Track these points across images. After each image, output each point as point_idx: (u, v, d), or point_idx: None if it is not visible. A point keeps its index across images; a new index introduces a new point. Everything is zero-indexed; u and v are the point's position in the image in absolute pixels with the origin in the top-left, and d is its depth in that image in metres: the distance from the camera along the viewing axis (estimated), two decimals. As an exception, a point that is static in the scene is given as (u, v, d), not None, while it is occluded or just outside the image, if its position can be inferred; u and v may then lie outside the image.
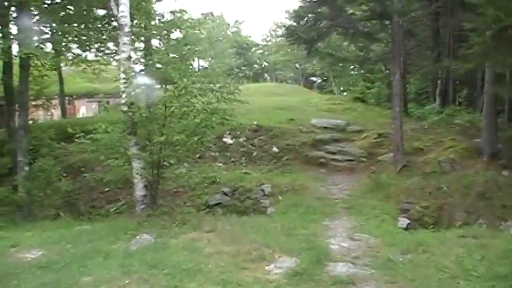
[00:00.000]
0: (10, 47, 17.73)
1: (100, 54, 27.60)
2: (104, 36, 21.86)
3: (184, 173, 13.14)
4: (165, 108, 10.99)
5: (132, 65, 11.75)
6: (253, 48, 78.16)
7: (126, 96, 11.43)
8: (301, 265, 7.83)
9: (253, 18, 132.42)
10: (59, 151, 20.14)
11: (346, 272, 7.65)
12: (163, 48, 12.17)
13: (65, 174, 16.58)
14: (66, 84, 33.77)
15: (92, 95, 44.98)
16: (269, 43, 75.69)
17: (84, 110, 44.59)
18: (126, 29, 11.93)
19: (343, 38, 22.79)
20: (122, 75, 11.58)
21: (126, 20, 11.92)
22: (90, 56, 28.21)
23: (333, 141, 20.10)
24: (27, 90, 17.54)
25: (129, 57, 11.85)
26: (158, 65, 11.76)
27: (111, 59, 32.43)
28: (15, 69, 19.79)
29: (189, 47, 11.64)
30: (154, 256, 8.12)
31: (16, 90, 19.55)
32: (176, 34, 14.03)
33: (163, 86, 11.22)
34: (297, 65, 67.91)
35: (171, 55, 11.50)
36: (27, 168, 16.14)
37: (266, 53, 75.57)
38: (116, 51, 27.46)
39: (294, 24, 21.62)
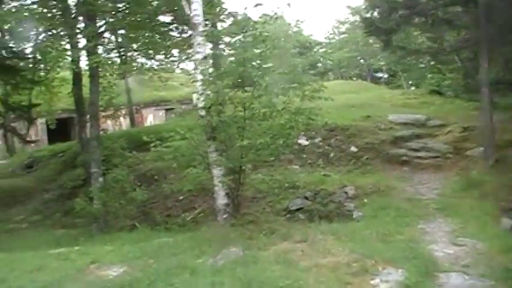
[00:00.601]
0: (79, 58, 17.56)
1: (165, 61, 27.54)
2: (168, 43, 21.46)
3: (267, 179, 12.41)
4: (244, 110, 10.27)
5: (209, 66, 11.08)
6: (316, 47, 76.95)
7: (204, 100, 10.78)
8: (410, 278, 7.02)
9: (314, 16, 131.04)
10: (130, 160, 19.87)
11: (462, 285, 6.80)
12: (237, 47, 11.33)
13: (139, 184, 16.17)
14: (133, 94, 33.76)
15: (158, 103, 45.29)
16: (332, 41, 74.41)
17: (151, 118, 44.84)
18: (200, 28, 11.32)
19: (416, 28, 21.73)
20: (199, 77, 10.95)
21: (199, 19, 11.31)
22: (155, 64, 28.38)
23: (415, 138, 18.94)
24: (97, 100, 17.38)
25: (205, 58, 11.22)
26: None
27: (175, 67, 32.56)
28: (85, 80, 19.76)
29: (267, 44, 10.84)
30: (245, 272, 7.42)
31: (86, 102, 19.50)
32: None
33: (241, 86, 10.46)
34: (362, 61, 66.43)
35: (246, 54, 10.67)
36: (101, 179, 15.90)
37: (329, 50, 74.29)
38: (180, 58, 27.53)
39: (370, 15, 20.67)
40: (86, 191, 18.44)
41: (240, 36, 11.69)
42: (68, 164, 23.48)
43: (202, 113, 10.94)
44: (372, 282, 7.11)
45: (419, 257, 7.97)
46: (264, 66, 10.31)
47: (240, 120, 10.33)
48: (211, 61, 11.73)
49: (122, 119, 36.11)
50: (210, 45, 12.12)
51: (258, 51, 10.86)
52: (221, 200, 10.88)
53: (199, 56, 11.14)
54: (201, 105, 10.98)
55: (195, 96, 36.53)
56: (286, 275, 7.23)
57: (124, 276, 8.00)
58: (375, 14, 19.40)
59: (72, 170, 22.43)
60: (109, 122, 32.83)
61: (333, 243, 8.91)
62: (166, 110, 46.07)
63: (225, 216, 10.75)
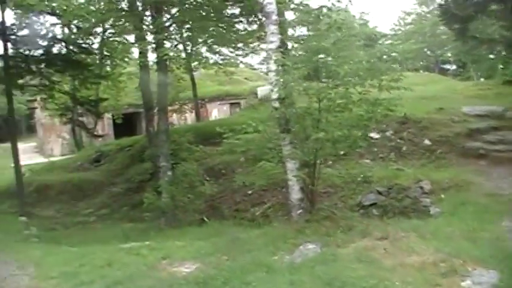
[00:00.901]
0: (147, 51, 17.45)
1: (229, 56, 27.35)
2: (234, 36, 21.11)
3: (343, 173, 11.90)
4: (319, 101, 9.74)
5: (284, 56, 10.58)
6: (381, 39, 75.46)
7: (278, 90, 10.33)
8: (505, 280, 6.43)
9: (379, 8, 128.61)
10: (197, 154, 19.74)
11: None
12: (311, 36, 10.79)
13: (207, 178, 15.92)
14: (198, 88, 33.72)
15: (223, 97, 45.29)
16: (398, 32, 72.89)
17: (216, 112, 44.93)
18: (273, 17, 10.85)
19: (491, 16, 20.68)
20: (272, 67, 10.50)
21: (272, 7, 10.85)
22: (220, 58, 28.26)
23: (491, 130, 17.92)
24: (166, 94, 17.13)
25: (279, 47, 10.75)
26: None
27: (238, 62, 32.35)
28: (152, 74, 19.70)
29: (343, 32, 10.30)
30: (325, 270, 6.98)
31: (154, 96, 19.45)
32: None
33: (316, 77, 9.92)
34: (429, 53, 64.74)
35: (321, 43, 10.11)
36: (170, 173, 15.68)
37: (395, 42, 72.32)
38: (244, 52, 27.26)
39: (445, 2, 19.77)
40: (154, 185, 18.39)
41: (303, 29, 11.23)
42: (135, 158, 23.53)
43: (276, 104, 10.48)
44: (462, 284, 6.54)
45: (510, 257, 7.33)
46: (341, 54, 9.72)
47: (314, 111, 9.81)
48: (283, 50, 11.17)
49: (187, 113, 36.24)
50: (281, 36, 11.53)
51: (333, 40, 10.33)
52: (295, 194, 10.41)
53: (272, 46, 10.67)
54: (274, 96, 10.51)
55: (259, 90, 36.56)
56: (370, 274, 6.75)
57: (197, 273, 7.69)
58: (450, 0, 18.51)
59: (139, 164, 22.45)
60: (174, 116, 32.96)
61: (416, 241, 8.32)
62: (231, 104, 46.05)
63: (299, 211, 10.28)
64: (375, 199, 13.67)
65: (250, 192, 16.19)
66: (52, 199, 21.84)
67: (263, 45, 24.50)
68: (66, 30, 22.46)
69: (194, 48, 26.35)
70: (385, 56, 10.59)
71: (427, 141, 17.49)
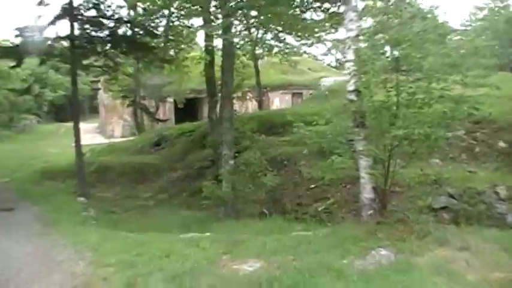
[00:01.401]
0: (213, 37, 17.00)
1: (290, 46, 26.79)
2: (302, 25, 20.46)
3: (417, 173, 11.14)
4: (398, 94, 8.96)
5: (362, 45, 9.81)
6: (451, 35, 72.66)
7: (355, 82, 9.62)
8: None
9: (450, 2, 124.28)
10: (260, 143, 19.26)
11: None
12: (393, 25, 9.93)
13: (270, 169, 15.35)
14: (261, 77, 33.21)
15: (286, 87, 44.81)
16: (468, 28, 70.27)
17: (277, 101, 44.52)
18: (353, 3, 10.15)
19: None
20: (350, 57, 9.77)
21: (352, -7, 10.15)
22: (286, 47, 27.72)
23: None
24: (231, 80, 16.55)
25: (357, 36, 10.01)
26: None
27: (302, 51, 31.64)
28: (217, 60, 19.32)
29: (427, 22, 9.49)
30: (402, 281, 6.33)
31: (218, 82, 19.11)
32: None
33: (396, 69, 9.09)
34: (501, 50, 62.07)
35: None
36: (232, 162, 15.18)
37: (464, 38, 69.93)
38: (310, 41, 26.56)
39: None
40: (214, 172, 18.08)
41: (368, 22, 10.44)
42: (196, 143, 23.28)
43: (352, 96, 9.77)
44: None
45: None
46: (425, 46, 8.89)
47: (392, 106, 9.05)
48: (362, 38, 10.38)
49: (249, 102, 35.85)
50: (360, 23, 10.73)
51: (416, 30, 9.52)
52: (367, 194, 9.71)
53: (351, 34, 9.93)
54: (351, 88, 9.80)
55: (323, 81, 35.77)
56: (452, 289, 6.08)
57: (261, 273, 7.15)
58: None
59: (200, 150, 22.18)
60: (236, 103, 32.50)
61: (500, 254, 7.55)
62: (293, 94, 45.57)
63: (370, 212, 9.57)
64: (446, 202, 12.80)
65: (313, 186, 15.59)
66: (112, 181, 21.83)
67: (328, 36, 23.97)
68: (132, 13, 22.28)
69: (260, 35, 25.85)
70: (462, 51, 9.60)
71: (502, 144, 16.43)
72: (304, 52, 34.85)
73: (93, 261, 8.60)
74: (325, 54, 78.43)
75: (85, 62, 19.32)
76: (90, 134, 46.48)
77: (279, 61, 30.21)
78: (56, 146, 36.47)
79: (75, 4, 18.09)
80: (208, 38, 16.61)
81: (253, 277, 7.02)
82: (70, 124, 55.14)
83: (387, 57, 9.20)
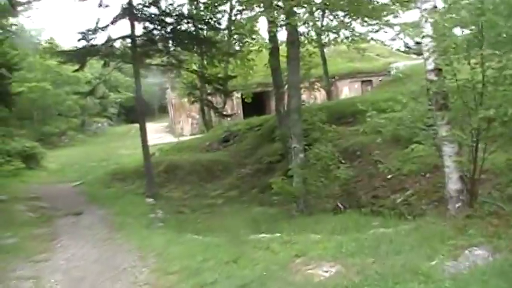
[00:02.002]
0: (276, 24, 16.20)
1: (362, 30, 25.78)
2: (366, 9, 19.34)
3: (508, 158, 10.02)
4: (483, 71, 7.88)
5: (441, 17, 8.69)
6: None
7: (435, 60, 8.57)
8: None
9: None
10: (330, 134, 18.42)
11: None
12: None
13: (342, 161, 14.47)
14: (328, 65, 32.18)
15: (354, 75, 43.76)
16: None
17: (346, 90, 43.49)
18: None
19: None
20: (428, 31, 8.70)
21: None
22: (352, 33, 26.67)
23: None
24: (298, 69, 15.64)
25: (435, 8, 8.93)
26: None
27: (369, 38, 30.38)
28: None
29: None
30: (505, 287, 5.41)
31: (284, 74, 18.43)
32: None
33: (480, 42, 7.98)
34: None
35: None
36: (302, 155, 14.26)
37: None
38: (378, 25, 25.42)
39: None
40: (284, 167, 17.41)
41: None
42: (265, 138, 22.65)
43: (431, 76, 8.71)
44: None
45: None
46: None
47: (477, 85, 7.98)
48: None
49: (317, 92, 34.89)
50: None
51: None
52: (453, 184, 8.58)
53: (427, 6, 8.86)
54: (430, 67, 8.72)
55: (393, 66, 34.40)
56: None
57: (338, 279, 6.37)
58: None
59: (269, 144, 21.53)
60: (304, 94, 31.63)
61: None
62: (362, 82, 44.35)
63: (457, 204, 8.51)
64: (539, 190, 11.56)
65: (389, 177, 14.64)
66: (180, 180, 21.46)
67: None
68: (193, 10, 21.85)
69: (325, 22, 24.90)
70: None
71: None
72: (371, 39, 33.43)
73: (157, 268, 8.13)
74: (393, 39, 76.08)
75: (147, 61, 18.92)
76: (159, 134, 46.91)
77: (347, 48, 29.11)
78: (126, 148, 36.83)
79: (134, 3, 17.76)
80: (271, 24, 15.72)
81: (330, 284, 6.27)
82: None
83: (471, 29, 8.13)
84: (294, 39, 14.84)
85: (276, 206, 15.84)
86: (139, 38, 18.07)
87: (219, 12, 21.38)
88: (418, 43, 76.34)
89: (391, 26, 27.13)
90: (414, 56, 57.22)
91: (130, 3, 17.50)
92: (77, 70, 19.52)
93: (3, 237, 11.14)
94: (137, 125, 28.48)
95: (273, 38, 17.51)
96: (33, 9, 22.20)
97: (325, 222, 11.49)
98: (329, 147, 14.17)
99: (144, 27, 18.16)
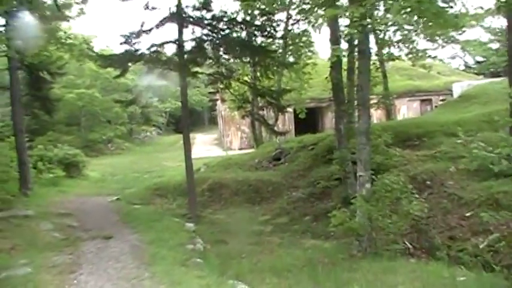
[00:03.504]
0: (337, 16, 14.27)
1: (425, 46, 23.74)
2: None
3: None
4: None
5: None
6: None
7: None
8: None
9: None
10: (395, 159, 16.39)
11: None
12: None
13: (415, 194, 12.21)
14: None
15: (413, 93, 41.96)
16: None
17: (405, 110, 41.66)
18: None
19: None
20: None
21: None
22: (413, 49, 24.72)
23: None
24: (368, 84, 13.40)
25: None
26: None
27: (428, 55, 28.11)
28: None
29: None
30: None
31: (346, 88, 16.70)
32: None
33: None
34: None
35: None
36: (368, 185, 12.05)
37: None
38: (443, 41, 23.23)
39: None
40: (341, 193, 15.61)
41: None
42: (320, 159, 20.61)
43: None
44: None
45: None
46: None
47: None
48: None
49: (372, 110, 32.89)
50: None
51: None
52: None
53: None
54: None
55: (455, 86, 32.35)
56: None
57: None
58: None
59: (324, 166, 19.50)
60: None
61: None
62: (421, 101, 42.47)
63: None
64: None
65: (468, 214, 12.49)
66: (226, 200, 19.70)
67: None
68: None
69: (388, 35, 22.81)
70: None
71: None
72: (429, 56, 30.77)
73: None
74: (452, 58, 73.41)
75: (195, 69, 17.16)
76: (207, 146, 45.88)
77: (412, 63, 27.01)
78: (172, 159, 35.62)
79: (183, 5, 16.15)
80: (351, 24, 13.65)
81: None
82: (191, 135, 55.52)
83: None
84: (364, 48, 12.65)
85: (332, 239, 13.88)
86: (186, 44, 16.42)
87: (275, 21, 19.54)
88: (478, 62, 73.72)
89: (456, 41, 25.07)
90: (476, 76, 54.63)
91: (179, 5, 15.89)
92: (118, 76, 17.97)
93: (16, 266, 9.56)
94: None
95: (335, 46, 15.53)
96: (82, 15, 20.76)
97: (397, 272, 9.44)
98: (401, 178, 11.99)
99: (193, 32, 16.53)
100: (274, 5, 18.33)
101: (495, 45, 71.94)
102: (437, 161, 16.09)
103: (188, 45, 16.53)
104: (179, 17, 15.98)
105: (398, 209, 11.66)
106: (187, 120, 17.81)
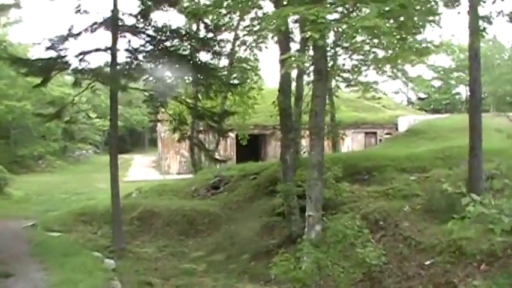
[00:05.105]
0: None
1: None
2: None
3: None
4: None
5: None
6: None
7: None
8: None
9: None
10: (344, 195, 14.98)
11: None
12: None
13: (371, 238, 10.61)
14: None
15: (358, 125, 41.46)
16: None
17: (349, 141, 40.81)
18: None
19: None
20: None
21: None
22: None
23: None
24: (324, 109, 11.81)
25: None
26: None
27: (375, 87, 27.41)
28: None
29: None
30: None
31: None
32: None
33: None
34: None
35: None
36: (319, 227, 10.37)
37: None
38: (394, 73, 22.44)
39: None
40: (284, 231, 14.07)
41: None
42: (262, 190, 19.02)
43: None
44: None
45: None
46: None
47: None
48: None
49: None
50: None
51: None
52: None
53: None
54: None
55: (401, 120, 31.94)
56: None
57: None
58: None
59: (266, 198, 17.96)
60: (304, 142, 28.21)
61: None
62: (366, 133, 42.07)
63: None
64: None
65: (428, 262, 11.03)
66: (157, 231, 17.89)
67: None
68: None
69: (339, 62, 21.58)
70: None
71: None
72: (376, 89, 29.36)
73: None
74: (396, 92, 74.26)
75: (127, 82, 15.30)
76: (144, 169, 44.14)
77: (361, 96, 26.12)
78: (106, 181, 33.00)
79: (120, 11, 14.41)
80: (284, 50, 12.29)
81: None
82: (129, 156, 53.52)
83: None
84: (321, 68, 11.02)
85: (273, 283, 12.22)
86: (120, 54, 14.63)
87: (222, 41, 18.00)
88: (420, 98, 74.69)
89: (406, 75, 24.72)
90: (419, 111, 54.92)
91: (114, 10, 14.12)
92: (38, 85, 15.94)
93: None
94: (126, 156, 25.08)
95: (284, 77, 14.19)
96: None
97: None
98: (356, 220, 10.33)
99: (129, 42, 14.77)
100: (220, 21, 16.74)
101: (437, 83, 73.47)
102: (390, 199, 14.76)
103: (122, 56, 14.73)
104: (113, 24, 14.19)
105: (351, 254, 10.07)
106: (115, 141, 15.93)
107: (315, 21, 8.68)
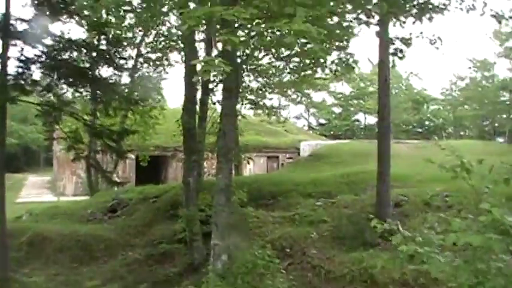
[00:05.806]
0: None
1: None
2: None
3: None
4: None
5: None
6: (430, 103, 71.33)
7: None
8: None
9: (430, 70, 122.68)
10: (250, 221, 14.43)
11: None
12: None
13: (281, 268, 10.01)
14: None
15: (260, 149, 41.29)
16: (448, 97, 68.19)
17: (251, 165, 40.48)
18: None
19: None
20: None
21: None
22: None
23: None
24: (234, 130, 11.14)
25: None
26: None
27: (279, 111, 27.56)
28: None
29: None
30: None
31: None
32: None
33: None
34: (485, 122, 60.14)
35: None
36: (225, 257, 9.65)
37: (446, 107, 69.01)
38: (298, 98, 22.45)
39: None
40: (186, 258, 13.32)
41: None
42: (162, 214, 18.10)
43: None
44: None
45: None
46: None
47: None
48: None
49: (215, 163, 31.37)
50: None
51: None
52: None
53: None
54: None
55: (303, 144, 32.41)
56: None
57: None
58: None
59: (167, 222, 17.07)
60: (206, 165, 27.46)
61: None
62: (268, 157, 42.19)
63: None
64: None
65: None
66: (48, 258, 16.37)
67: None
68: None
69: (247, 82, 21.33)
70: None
71: None
72: (278, 115, 29.40)
73: None
74: (298, 118, 75.85)
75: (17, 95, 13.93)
76: (38, 190, 41.91)
77: (266, 117, 25.89)
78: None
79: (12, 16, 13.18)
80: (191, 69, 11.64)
81: None
82: (22, 176, 50.60)
83: None
84: (231, 87, 10.35)
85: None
86: (11, 63, 13.34)
87: (124, 58, 17.05)
88: (321, 124, 76.60)
89: (309, 99, 24.85)
90: (320, 137, 56.12)
91: (6, 14, 12.89)
92: None
93: None
94: (18, 175, 23.34)
95: (187, 98, 13.52)
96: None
97: None
98: (266, 250, 9.70)
99: (21, 51, 13.53)
100: (122, 35, 15.92)
101: (337, 110, 75.72)
102: (296, 225, 14.34)
103: (13, 66, 13.45)
104: (5, 29, 12.91)
105: (260, 286, 9.41)
106: (2, 158, 14.44)
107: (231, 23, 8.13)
